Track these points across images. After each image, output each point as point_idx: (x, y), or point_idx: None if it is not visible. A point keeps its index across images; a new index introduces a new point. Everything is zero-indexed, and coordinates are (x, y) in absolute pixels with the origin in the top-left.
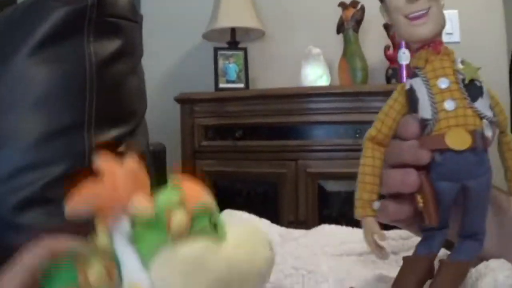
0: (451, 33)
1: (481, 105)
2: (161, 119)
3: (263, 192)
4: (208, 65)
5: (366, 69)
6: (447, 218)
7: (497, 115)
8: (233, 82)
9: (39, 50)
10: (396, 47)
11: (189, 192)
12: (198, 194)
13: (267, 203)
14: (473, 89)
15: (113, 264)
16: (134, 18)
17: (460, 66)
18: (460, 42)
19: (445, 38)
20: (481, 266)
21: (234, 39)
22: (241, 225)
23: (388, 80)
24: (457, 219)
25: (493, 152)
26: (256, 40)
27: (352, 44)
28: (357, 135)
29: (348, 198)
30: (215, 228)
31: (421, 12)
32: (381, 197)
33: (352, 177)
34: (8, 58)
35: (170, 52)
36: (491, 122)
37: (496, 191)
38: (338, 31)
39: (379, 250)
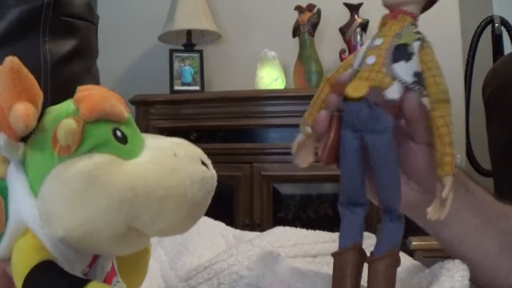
0: None
1: (401, 68)
2: None
3: (218, 195)
4: (164, 67)
5: (321, 72)
6: (360, 192)
7: (428, 86)
8: (188, 84)
9: None
10: (352, 51)
11: (86, 97)
12: (98, 98)
13: (222, 205)
14: (400, 52)
15: None
16: (91, 18)
17: (404, 31)
18: None
19: None
20: (436, 266)
21: (190, 42)
22: (165, 138)
23: None
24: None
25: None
26: (212, 43)
27: (307, 47)
28: None
29: (302, 201)
30: (123, 141)
31: None
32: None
33: (307, 180)
34: None
35: (125, 54)
36: (408, 88)
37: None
38: (294, 35)
39: (295, 158)
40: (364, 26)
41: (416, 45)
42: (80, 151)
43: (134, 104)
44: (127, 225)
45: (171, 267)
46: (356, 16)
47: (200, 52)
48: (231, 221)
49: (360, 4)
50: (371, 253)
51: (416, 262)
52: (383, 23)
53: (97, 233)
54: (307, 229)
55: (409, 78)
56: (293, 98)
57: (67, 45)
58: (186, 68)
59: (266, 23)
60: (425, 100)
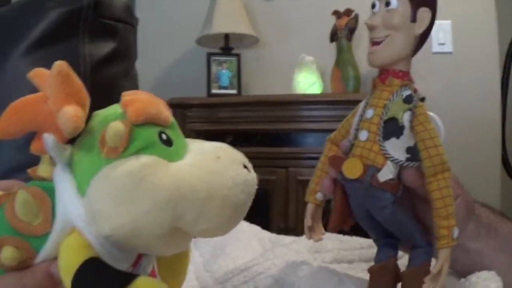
0: (444, 43)
1: (392, 145)
2: None
3: (253, 199)
4: (201, 71)
5: (358, 77)
6: (386, 231)
7: (422, 160)
8: (225, 88)
9: (34, 50)
10: None
11: (133, 101)
12: (144, 102)
13: (258, 209)
14: (391, 127)
15: (42, 195)
16: (130, 21)
17: (394, 101)
18: (452, 53)
19: (437, 48)
20: (473, 276)
21: (228, 45)
22: (208, 142)
23: None
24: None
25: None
26: (250, 47)
27: (345, 52)
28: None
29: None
30: (169, 144)
31: (377, 39)
32: None
33: None
34: (2, 57)
35: (163, 57)
36: (402, 166)
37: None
38: (331, 40)
39: (309, 232)
40: None
41: (406, 117)
42: (127, 153)
43: (172, 106)
44: (172, 225)
45: (206, 269)
46: None
47: (238, 55)
48: (266, 225)
49: None
50: (406, 268)
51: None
52: (374, 86)
53: (142, 232)
54: (342, 234)
55: (402, 156)
56: (330, 103)
57: (106, 47)
58: (224, 72)
59: (303, 28)
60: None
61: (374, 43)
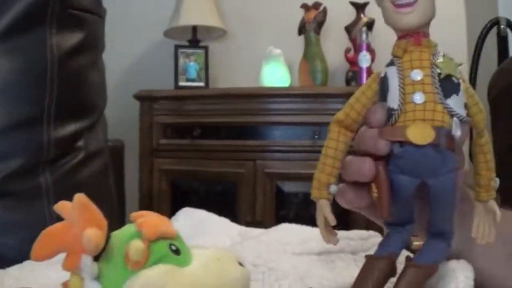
0: None
1: (454, 102)
2: (119, 115)
3: (221, 192)
4: (168, 63)
5: (326, 71)
6: (410, 214)
7: (474, 115)
8: (193, 80)
9: (0, 41)
10: (357, 50)
11: (146, 222)
12: (155, 222)
13: (225, 202)
14: (448, 85)
15: None
16: (98, 11)
17: (439, 60)
18: None
19: None
20: (443, 266)
21: (195, 38)
22: (207, 247)
23: (348, 82)
24: (424, 216)
25: None
26: (217, 39)
27: (313, 45)
28: (316, 137)
29: (305, 200)
30: (177, 253)
31: (409, 1)
32: (342, 181)
33: (310, 178)
34: None
35: (130, 49)
36: (463, 121)
37: (467, 188)
38: (300, 33)
39: (327, 234)
40: (370, 25)
41: (458, 73)
42: (147, 264)
43: (139, 99)
44: None
45: None
46: (362, 15)
47: (206, 48)
48: (233, 218)
49: (366, 3)
50: (410, 258)
51: None
52: (404, 50)
53: None
54: (311, 226)
55: (463, 111)
56: (297, 96)
57: (74, 38)
58: (191, 64)
59: (271, 21)
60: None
61: (404, 5)
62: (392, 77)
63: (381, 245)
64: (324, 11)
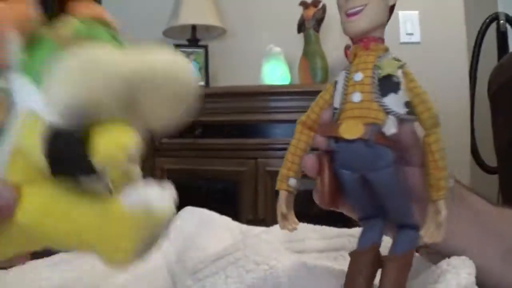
0: (412, 33)
1: (392, 101)
2: None
3: (222, 190)
4: None
5: (326, 68)
6: (373, 207)
7: (419, 114)
8: None
9: None
10: None
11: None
12: (92, 9)
13: (227, 201)
14: (387, 84)
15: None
16: None
17: (382, 61)
18: (420, 43)
19: (405, 39)
20: (443, 263)
21: (195, 37)
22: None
23: None
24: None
25: None
26: (217, 38)
27: (312, 43)
28: None
29: (307, 197)
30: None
31: (356, 9)
32: None
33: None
34: None
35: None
36: (404, 120)
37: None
38: (299, 30)
39: (283, 221)
40: None
41: (400, 74)
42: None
43: None
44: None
45: (177, 261)
46: None
47: (205, 47)
48: (235, 217)
49: None
50: (389, 251)
51: (421, 258)
52: (354, 55)
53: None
54: (313, 224)
55: (401, 110)
56: (298, 94)
57: None
58: (191, 63)
59: (271, 19)
60: (418, 127)
61: (351, 14)
62: (340, 80)
63: (361, 239)
64: (323, 8)
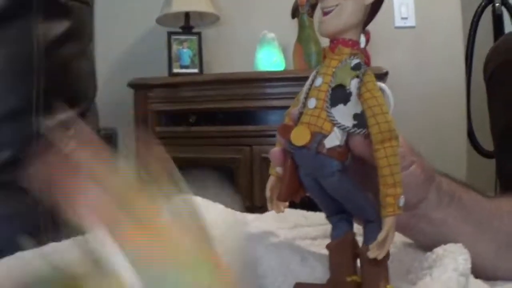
0: (406, 17)
1: (339, 112)
2: (112, 104)
3: (218, 178)
4: (162, 50)
5: (320, 53)
6: (336, 205)
7: (369, 127)
8: (187, 67)
9: None
10: None
11: None
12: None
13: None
14: (337, 95)
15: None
16: None
17: (339, 69)
18: (415, 27)
19: (400, 23)
20: (439, 249)
21: (188, 24)
22: None
23: None
24: None
25: None
26: (211, 25)
27: (306, 28)
28: None
29: None
30: None
31: (328, 9)
32: None
33: None
34: None
35: (123, 37)
36: (351, 132)
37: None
38: (293, 16)
39: (270, 204)
40: None
41: (354, 84)
42: None
43: (133, 87)
44: None
45: None
46: None
47: (199, 34)
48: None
49: None
50: (362, 245)
51: (415, 244)
52: (323, 56)
53: None
54: (307, 211)
55: (349, 122)
56: (292, 80)
57: (61, 27)
58: (185, 51)
59: (265, 4)
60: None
61: (325, 13)
62: (308, 81)
63: (333, 233)
64: None
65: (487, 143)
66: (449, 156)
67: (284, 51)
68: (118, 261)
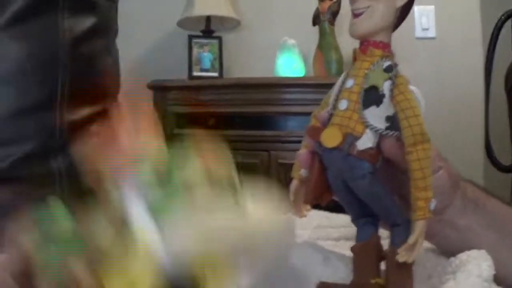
0: (427, 28)
1: (372, 113)
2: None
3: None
4: (182, 53)
5: (340, 61)
6: (359, 208)
7: (402, 129)
8: (207, 70)
9: (12, 25)
10: None
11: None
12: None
13: None
14: (370, 96)
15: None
16: None
17: (371, 70)
18: (436, 38)
19: (420, 34)
20: (463, 255)
21: (209, 28)
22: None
23: None
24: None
25: None
26: (231, 30)
27: (327, 36)
28: None
29: None
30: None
31: (359, 11)
32: None
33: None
34: None
35: (144, 39)
36: (383, 134)
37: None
38: (314, 23)
39: (295, 207)
40: None
41: (387, 86)
42: None
43: (152, 89)
44: None
45: None
46: None
47: (219, 38)
48: None
49: None
50: (389, 246)
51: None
52: (354, 58)
53: None
54: (329, 211)
55: (381, 124)
56: (312, 86)
57: (87, 22)
58: (205, 54)
59: (286, 11)
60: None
61: (356, 14)
62: (338, 82)
63: (358, 234)
64: (339, 1)
65: (504, 157)
66: (466, 166)
67: (305, 58)
68: (146, 227)
